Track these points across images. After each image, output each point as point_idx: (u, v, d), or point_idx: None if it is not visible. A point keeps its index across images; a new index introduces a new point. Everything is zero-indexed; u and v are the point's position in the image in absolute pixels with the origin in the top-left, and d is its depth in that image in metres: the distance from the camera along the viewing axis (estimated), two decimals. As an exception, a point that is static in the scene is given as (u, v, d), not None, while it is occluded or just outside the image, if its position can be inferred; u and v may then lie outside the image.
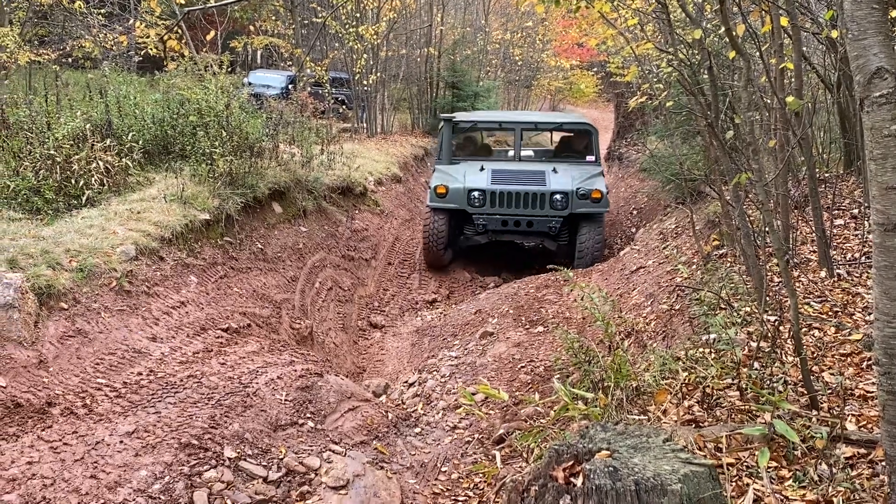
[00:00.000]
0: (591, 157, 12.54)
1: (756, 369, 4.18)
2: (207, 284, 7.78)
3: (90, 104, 9.87)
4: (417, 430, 6.12)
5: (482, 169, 11.81)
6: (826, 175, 8.64)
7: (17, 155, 8.21)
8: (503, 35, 32.28)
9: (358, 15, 20.03)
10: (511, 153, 12.94)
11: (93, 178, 8.37)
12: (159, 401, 5.41)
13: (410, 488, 5.12)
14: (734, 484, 3.23)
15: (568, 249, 11.56)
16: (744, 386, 4.14)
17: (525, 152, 14.47)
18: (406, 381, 7.53)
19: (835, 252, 6.55)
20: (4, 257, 6.21)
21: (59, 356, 5.73)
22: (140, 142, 9.47)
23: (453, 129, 12.83)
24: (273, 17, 21.02)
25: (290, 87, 19.89)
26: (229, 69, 11.35)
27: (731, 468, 3.32)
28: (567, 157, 13.12)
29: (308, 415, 5.70)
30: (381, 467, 5.22)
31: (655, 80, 10.11)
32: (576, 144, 13.59)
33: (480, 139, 14.84)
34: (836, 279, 6.06)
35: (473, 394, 5.65)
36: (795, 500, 3.18)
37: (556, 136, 16.33)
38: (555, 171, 11.73)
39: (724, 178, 6.82)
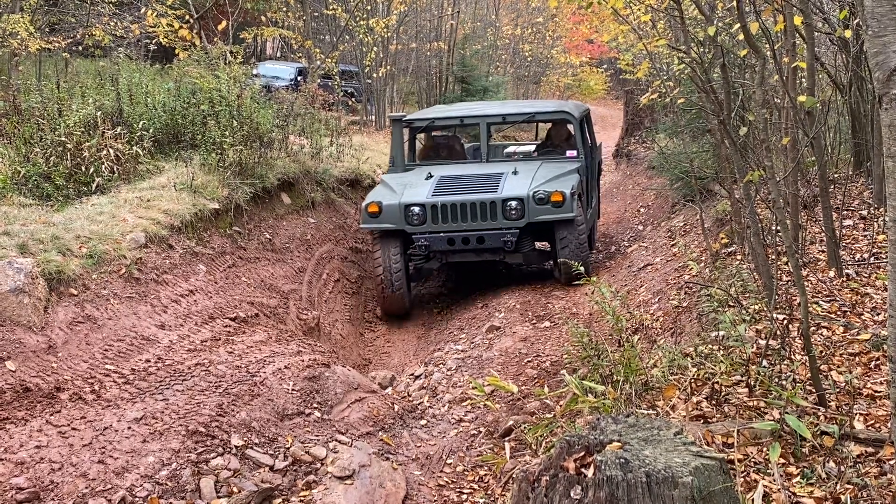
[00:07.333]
0: (571, 153, 10.83)
1: (765, 367, 4.19)
2: (216, 273, 7.80)
3: (101, 92, 9.89)
4: (423, 422, 6.14)
5: (429, 177, 9.87)
6: (835, 175, 8.62)
7: (28, 141, 8.22)
8: (513, 30, 32.24)
9: (369, 7, 20.02)
10: (482, 151, 10.96)
11: (103, 166, 8.39)
12: (167, 388, 5.43)
13: (416, 480, 5.14)
14: (743, 479, 3.24)
15: (539, 258, 10.03)
16: (752, 383, 4.15)
17: (524, 150, 12.68)
18: (412, 374, 7.55)
19: (844, 252, 6.54)
20: (15, 242, 6.23)
21: (69, 342, 5.76)
22: (150, 130, 9.48)
23: (410, 130, 11.21)
24: (283, 9, 20.99)
25: (299, 78, 19.89)
26: (243, 60, 11.35)
27: (739, 464, 3.33)
28: (548, 151, 11.43)
29: (315, 405, 5.72)
30: (387, 458, 5.23)
31: (666, 77, 10.09)
32: (556, 137, 11.84)
33: (455, 138, 12.49)
34: (844, 279, 6.06)
35: (484, 385, 5.66)
36: (803, 496, 3.19)
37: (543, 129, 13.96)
38: (515, 172, 9.81)
39: (734, 177, 6.81)
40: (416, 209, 9.32)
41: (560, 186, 9.39)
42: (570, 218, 9.28)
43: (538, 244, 10.04)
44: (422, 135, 11.78)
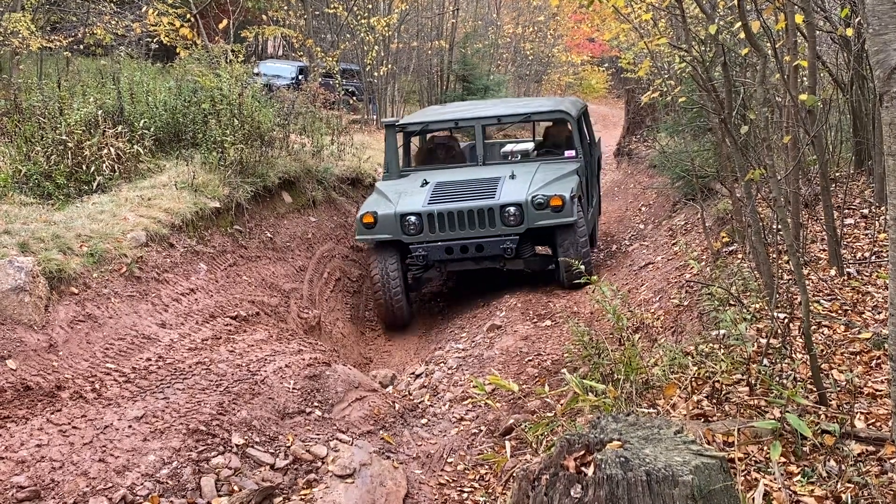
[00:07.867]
0: (570, 152, 10.43)
1: (765, 365, 4.18)
2: (217, 272, 7.80)
3: (102, 90, 9.90)
4: (424, 420, 6.14)
5: (424, 184, 9.50)
6: (837, 174, 8.61)
7: (30, 140, 8.24)
8: (514, 29, 32.24)
9: (370, 6, 20.03)
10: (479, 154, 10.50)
11: (104, 165, 8.40)
12: (168, 387, 5.44)
13: (416, 478, 5.13)
14: (743, 478, 3.23)
15: (541, 262, 9.60)
16: (753, 382, 4.14)
17: (521, 148, 12.24)
18: (413, 373, 7.54)
19: (845, 251, 6.54)
20: (16, 241, 6.24)
21: (69, 340, 5.76)
22: (151, 129, 9.50)
23: (404, 134, 10.91)
24: (285, 7, 21.00)
25: (300, 77, 19.91)
26: (244, 59, 11.36)
27: (740, 462, 3.33)
28: (547, 152, 11.06)
29: (315, 403, 5.72)
30: (388, 457, 5.23)
31: (667, 75, 10.08)
32: (554, 136, 11.43)
33: (452, 139, 12.07)
34: (845, 278, 6.05)
35: (485, 384, 5.66)
36: (804, 495, 3.19)
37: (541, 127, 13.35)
38: (513, 176, 9.43)
39: (736, 175, 6.81)
40: (413, 218, 9.00)
41: (559, 190, 9.08)
42: (571, 222, 9.00)
43: (539, 248, 9.82)
44: (416, 138, 11.50)
